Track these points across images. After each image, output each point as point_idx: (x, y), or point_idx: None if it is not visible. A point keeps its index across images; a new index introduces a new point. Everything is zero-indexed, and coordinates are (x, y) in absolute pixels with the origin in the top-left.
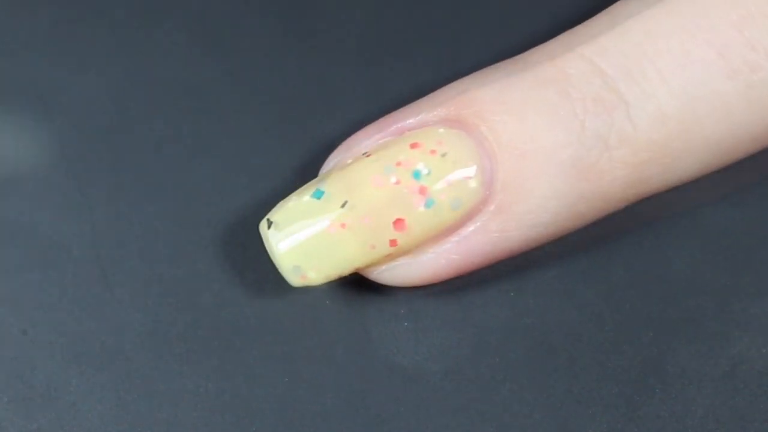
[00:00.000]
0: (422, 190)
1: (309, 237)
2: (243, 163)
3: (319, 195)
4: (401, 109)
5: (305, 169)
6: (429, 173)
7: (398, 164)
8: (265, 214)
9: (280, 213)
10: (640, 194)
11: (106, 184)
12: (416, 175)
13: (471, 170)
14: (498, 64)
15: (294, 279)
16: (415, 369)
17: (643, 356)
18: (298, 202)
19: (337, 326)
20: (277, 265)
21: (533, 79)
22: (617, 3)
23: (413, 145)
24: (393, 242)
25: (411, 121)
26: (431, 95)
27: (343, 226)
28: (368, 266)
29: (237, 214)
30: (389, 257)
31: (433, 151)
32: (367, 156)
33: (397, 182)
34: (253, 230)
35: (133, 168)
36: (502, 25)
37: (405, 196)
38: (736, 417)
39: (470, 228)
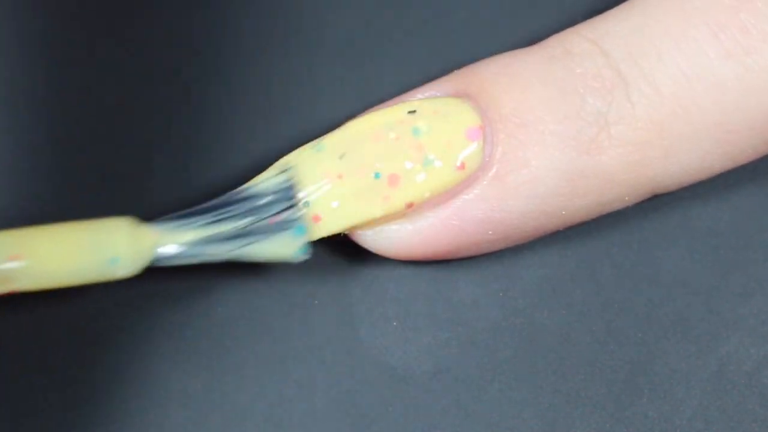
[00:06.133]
0: (420, 147)
1: None
2: (232, 162)
3: (320, 148)
4: (410, 91)
5: None
6: (429, 131)
7: (400, 122)
8: None
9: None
10: (641, 181)
11: (94, 182)
12: (415, 131)
13: (472, 132)
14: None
15: None
16: (404, 368)
17: (631, 356)
18: (299, 153)
19: (325, 326)
20: None
21: (539, 56)
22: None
23: (417, 107)
24: (386, 198)
25: (420, 96)
26: (441, 78)
27: (339, 177)
28: (363, 224)
29: None
30: (384, 217)
31: (435, 112)
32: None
33: (396, 138)
34: None
35: (119, 168)
36: (501, 25)
37: (402, 151)
38: (724, 417)
39: (469, 194)
